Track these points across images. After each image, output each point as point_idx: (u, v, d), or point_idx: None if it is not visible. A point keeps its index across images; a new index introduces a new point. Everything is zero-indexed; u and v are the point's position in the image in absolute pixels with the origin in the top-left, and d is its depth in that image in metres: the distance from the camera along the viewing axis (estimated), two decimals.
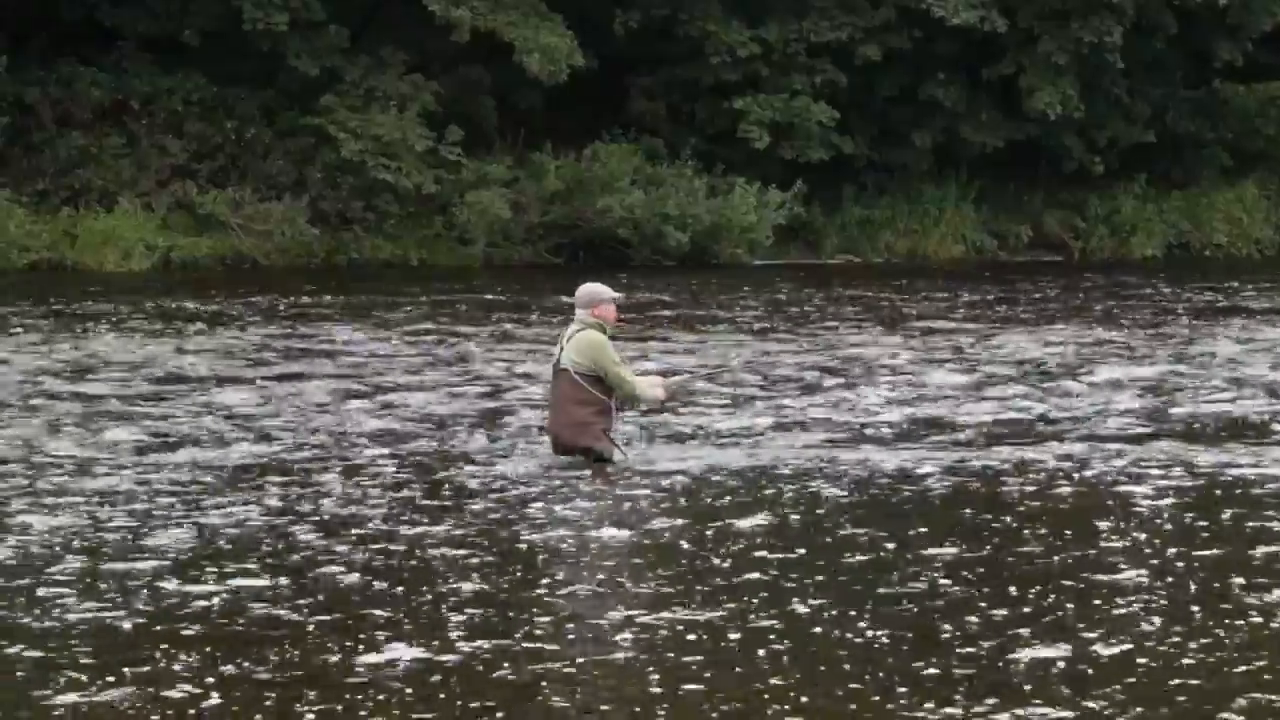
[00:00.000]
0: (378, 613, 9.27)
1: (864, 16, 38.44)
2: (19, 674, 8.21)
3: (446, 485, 12.84)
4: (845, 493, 12.55)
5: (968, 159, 40.34)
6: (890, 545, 10.92)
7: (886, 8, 38.39)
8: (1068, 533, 11.34)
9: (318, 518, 11.61)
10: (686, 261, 35.43)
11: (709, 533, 11.22)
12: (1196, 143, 43.07)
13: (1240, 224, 43.26)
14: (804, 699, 7.90)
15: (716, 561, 10.48)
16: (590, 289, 13.62)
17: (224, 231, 33.90)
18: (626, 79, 38.31)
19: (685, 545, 10.93)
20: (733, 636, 8.87)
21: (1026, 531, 11.40)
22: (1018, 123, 40.04)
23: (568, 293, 14.89)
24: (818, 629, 9.03)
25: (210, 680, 8.06)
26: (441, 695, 7.91)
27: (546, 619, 9.22)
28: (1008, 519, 11.82)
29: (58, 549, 10.62)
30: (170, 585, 9.74)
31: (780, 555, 10.62)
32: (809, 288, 31.11)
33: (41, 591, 9.61)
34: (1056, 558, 10.66)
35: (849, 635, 8.90)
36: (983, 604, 9.48)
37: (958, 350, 21.47)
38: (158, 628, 8.96)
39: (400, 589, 9.77)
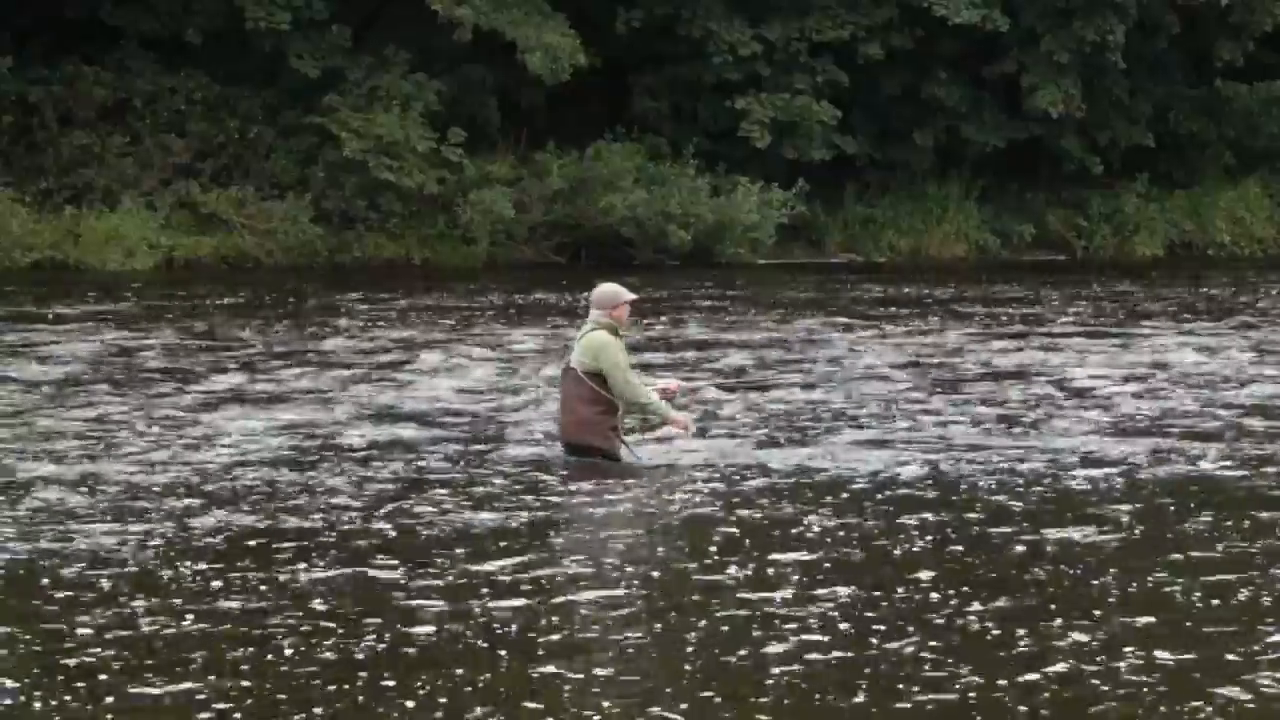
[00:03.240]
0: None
1: (866, 15, 38.44)
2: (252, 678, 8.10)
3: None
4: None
5: (970, 158, 40.35)
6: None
7: (888, 6, 38.39)
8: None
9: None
10: (689, 260, 35.42)
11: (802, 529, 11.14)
12: (1199, 142, 43.07)
13: (1243, 223, 43.26)
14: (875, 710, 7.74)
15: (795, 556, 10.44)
16: (608, 290, 13.42)
17: (226, 230, 33.93)
18: (629, 78, 38.32)
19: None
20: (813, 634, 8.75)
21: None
22: (1020, 122, 40.06)
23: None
24: (890, 639, 8.75)
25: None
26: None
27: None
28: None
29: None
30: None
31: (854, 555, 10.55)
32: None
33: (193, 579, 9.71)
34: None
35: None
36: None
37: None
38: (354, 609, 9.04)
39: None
